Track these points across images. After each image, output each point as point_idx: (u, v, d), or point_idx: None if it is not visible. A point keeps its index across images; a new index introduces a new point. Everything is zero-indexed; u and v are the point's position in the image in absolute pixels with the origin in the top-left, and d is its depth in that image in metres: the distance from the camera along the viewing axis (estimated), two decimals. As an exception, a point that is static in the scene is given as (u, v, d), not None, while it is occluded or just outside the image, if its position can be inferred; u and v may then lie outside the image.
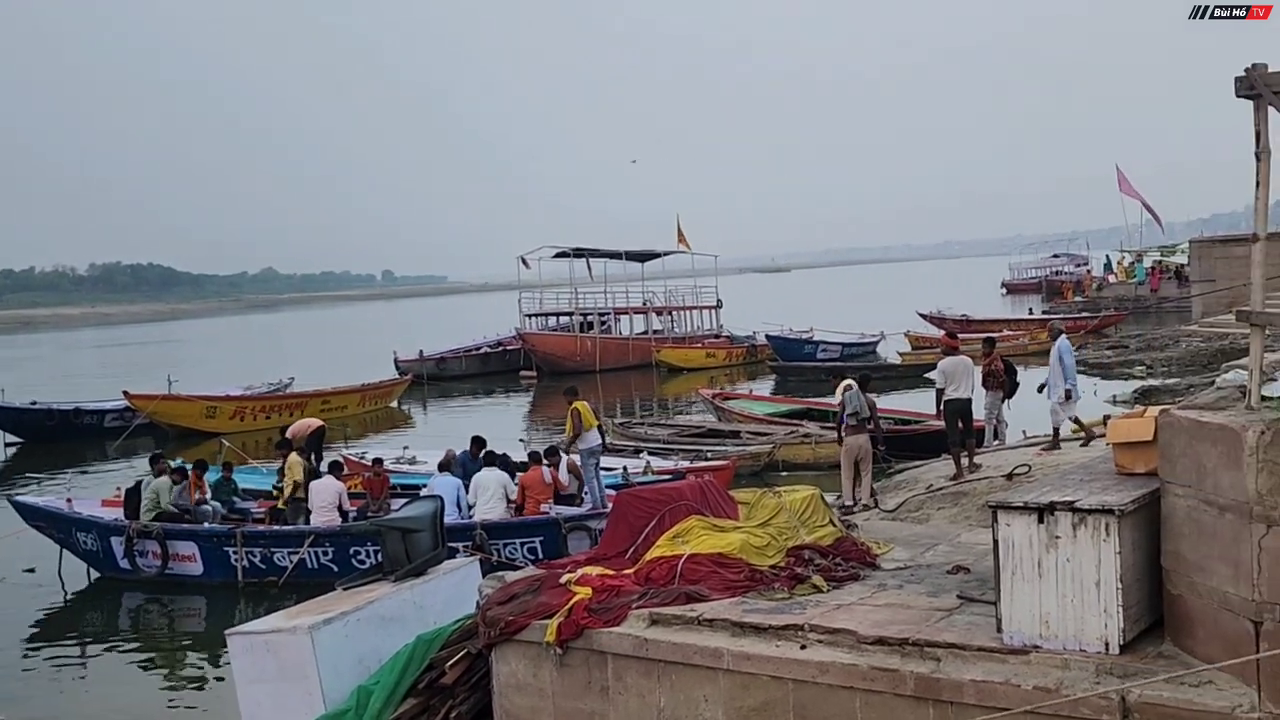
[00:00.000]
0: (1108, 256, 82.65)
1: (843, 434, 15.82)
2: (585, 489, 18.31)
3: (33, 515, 19.26)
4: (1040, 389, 16.86)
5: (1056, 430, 16.24)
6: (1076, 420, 16.40)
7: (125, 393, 35.27)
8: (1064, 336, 16.84)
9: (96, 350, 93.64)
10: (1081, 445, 15.48)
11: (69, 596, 18.10)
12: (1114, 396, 29.55)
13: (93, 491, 22.54)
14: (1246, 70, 6.93)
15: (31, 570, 18.87)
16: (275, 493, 18.94)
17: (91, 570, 18.67)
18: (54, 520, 18.87)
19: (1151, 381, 31.47)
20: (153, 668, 15.02)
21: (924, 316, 55.15)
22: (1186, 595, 7.13)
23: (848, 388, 16.75)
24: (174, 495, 18.44)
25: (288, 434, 22.76)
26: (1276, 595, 6.42)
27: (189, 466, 19.75)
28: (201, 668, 14.71)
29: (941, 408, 15.95)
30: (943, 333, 17.19)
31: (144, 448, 30.23)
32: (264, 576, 17.32)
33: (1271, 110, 6.90)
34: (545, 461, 18.18)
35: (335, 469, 18.51)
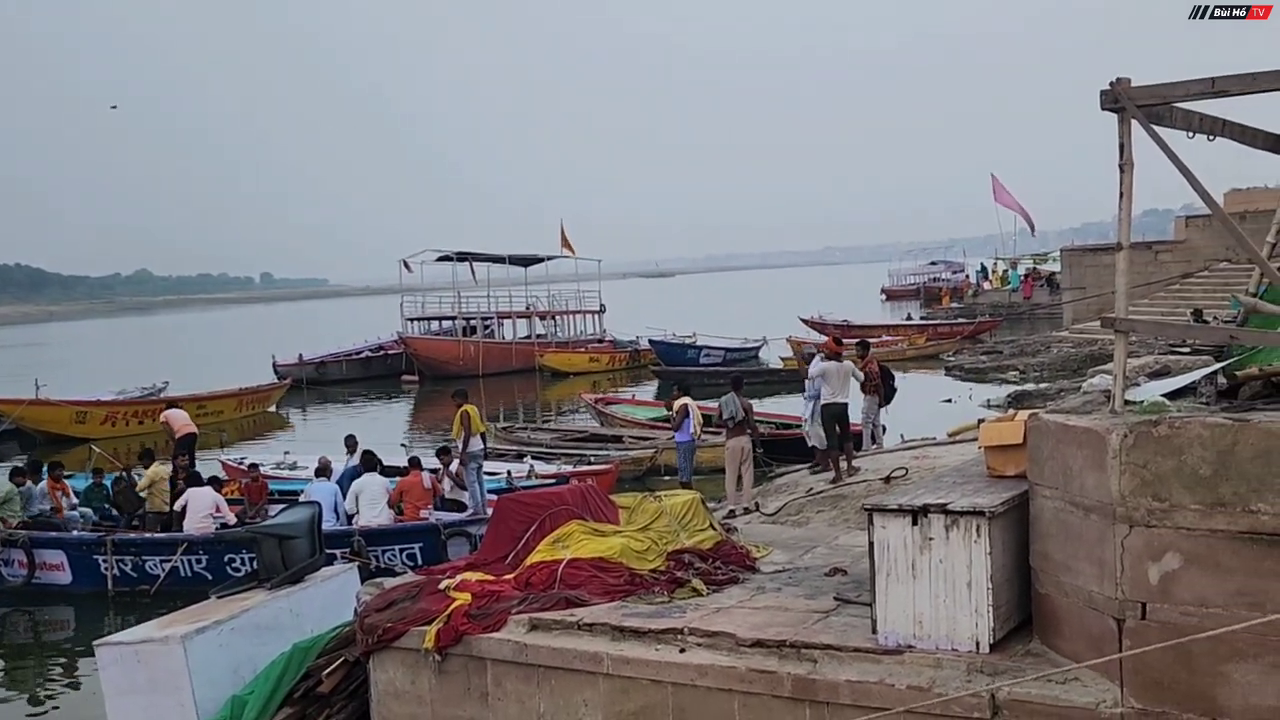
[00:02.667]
0: (982, 264, 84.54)
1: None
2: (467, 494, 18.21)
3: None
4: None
5: (813, 449, 16.49)
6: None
7: (-10, 397, 34.19)
8: (815, 361, 16.94)
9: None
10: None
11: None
12: (988, 400, 30.25)
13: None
14: (1111, 84, 7.14)
15: None
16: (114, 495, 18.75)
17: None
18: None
19: (1025, 386, 32.27)
20: (18, 681, 14.56)
21: (805, 322, 55.83)
22: (1054, 594, 7.31)
23: (684, 408, 17.35)
24: (34, 501, 17.94)
25: (163, 419, 22.66)
26: (1139, 594, 6.61)
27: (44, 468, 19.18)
28: (70, 680, 14.30)
29: (818, 412, 16.11)
30: (827, 337, 17.36)
31: (10, 454, 29.32)
32: (135, 585, 16.90)
33: (1135, 123, 7.11)
34: (439, 460, 18.12)
35: (214, 482, 18.20)
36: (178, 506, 17.59)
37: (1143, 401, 7.35)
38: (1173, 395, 7.70)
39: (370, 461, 17.75)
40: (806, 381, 16.88)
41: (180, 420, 22.61)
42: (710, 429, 20.65)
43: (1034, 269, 71.68)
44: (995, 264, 78.83)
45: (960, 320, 58.35)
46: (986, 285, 76.05)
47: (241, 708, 9.72)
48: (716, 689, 7.85)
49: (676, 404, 18.75)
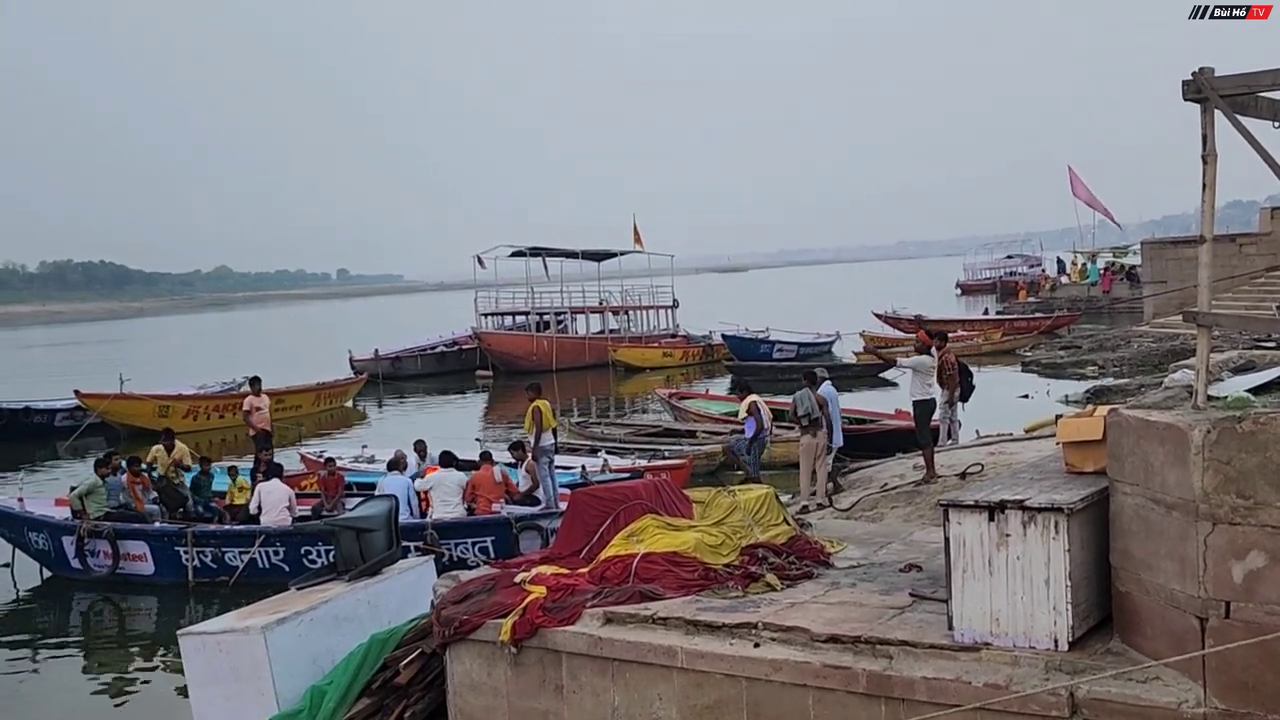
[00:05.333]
0: (1059, 258, 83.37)
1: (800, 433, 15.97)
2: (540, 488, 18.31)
3: (-16, 514, 19.06)
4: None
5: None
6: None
7: (77, 392, 34.88)
8: (829, 383, 16.66)
9: (47, 349, 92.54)
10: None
11: (21, 597, 17.90)
12: (1066, 396, 29.85)
13: (44, 491, 22.28)
14: (1194, 74, 7.03)
15: (8, 565, 18.59)
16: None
17: (44, 570, 18.48)
18: (6, 520, 18.68)
19: (1103, 381, 31.79)
20: (105, 669, 14.87)
21: (880, 316, 55.43)
22: (1134, 592, 7.21)
23: (752, 405, 17.33)
24: (114, 493, 18.32)
25: (246, 409, 23.83)
26: (1221, 592, 6.51)
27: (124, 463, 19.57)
28: (154, 669, 14.57)
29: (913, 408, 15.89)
30: (920, 330, 17.14)
31: (95, 447, 29.91)
32: (215, 576, 17.20)
33: (1219, 114, 6.99)
34: (510, 457, 18.27)
35: (278, 471, 18.47)
36: (252, 503, 17.88)
37: (1226, 397, 7.23)
38: (1257, 390, 7.55)
39: (447, 459, 17.90)
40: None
41: (261, 418, 23.30)
42: (784, 424, 20.58)
43: (1113, 262, 70.56)
44: (1074, 257, 77.65)
45: (1037, 315, 57.58)
46: (1064, 279, 74.95)
47: (321, 698, 9.87)
48: (791, 684, 7.84)
49: (745, 403, 18.82)
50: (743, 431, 19.64)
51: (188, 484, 19.59)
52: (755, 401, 18.83)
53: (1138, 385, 26.53)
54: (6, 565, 18.46)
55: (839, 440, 16.93)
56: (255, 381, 25.03)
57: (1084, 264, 72.80)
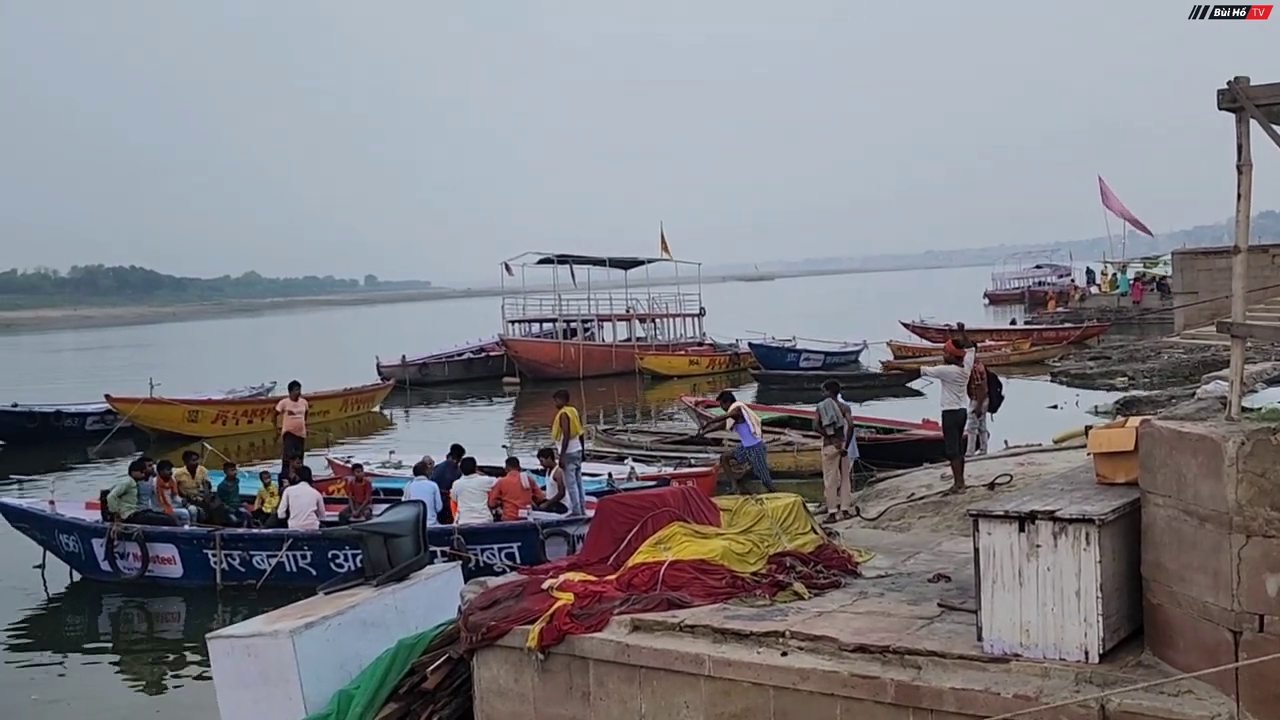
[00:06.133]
0: (1089, 268, 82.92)
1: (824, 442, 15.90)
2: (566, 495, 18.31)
3: (16, 516, 19.20)
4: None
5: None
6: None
7: (107, 396, 35.14)
8: (825, 400, 16.49)
9: (78, 353, 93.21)
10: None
11: (51, 598, 18.02)
12: (1095, 407, 29.67)
13: (75, 494, 22.43)
14: (1229, 83, 6.98)
15: (42, 566, 18.73)
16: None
17: (73, 572, 18.60)
18: (36, 522, 18.80)
19: (1133, 392, 31.58)
20: (133, 671, 14.96)
21: (907, 326, 55.27)
22: (1166, 605, 7.16)
23: (737, 411, 17.28)
24: (144, 497, 18.42)
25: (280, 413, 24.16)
26: (1255, 605, 6.45)
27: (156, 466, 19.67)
28: (182, 671, 14.64)
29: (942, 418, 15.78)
30: (948, 340, 17.02)
31: (125, 451, 30.13)
32: (243, 579, 17.27)
33: (1254, 123, 6.95)
34: (538, 463, 18.25)
35: (307, 475, 18.54)
36: (280, 507, 17.94)
37: (1260, 409, 7.17)
38: (1291, 402, 7.49)
39: (469, 464, 17.91)
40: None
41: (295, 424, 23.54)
42: (810, 434, 20.50)
43: (1144, 273, 70.10)
44: (1104, 267, 77.16)
45: (1066, 325, 57.28)
46: (1094, 290, 74.49)
47: (348, 702, 9.89)
48: (819, 693, 7.81)
49: (731, 408, 18.72)
50: (738, 442, 19.50)
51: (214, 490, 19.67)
52: (740, 408, 18.76)
53: (1168, 396, 26.35)
54: (39, 567, 18.59)
55: (854, 451, 16.85)
56: (294, 386, 25.16)
57: (1114, 274, 72.35)
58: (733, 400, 19.10)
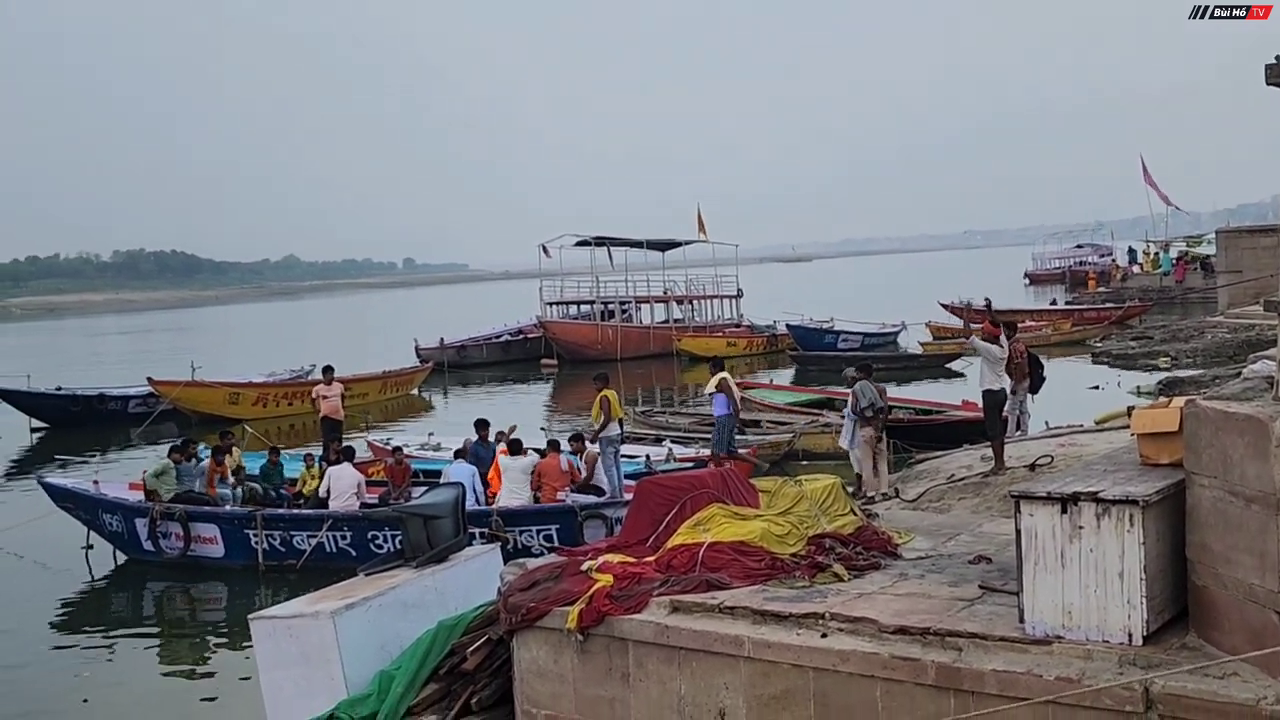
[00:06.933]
0: (1131, 247, 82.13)
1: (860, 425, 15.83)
2: (602, 479, 18.32)
3: (61, 497, 19.47)
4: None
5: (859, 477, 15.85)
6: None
7: (149, 379, 35.49)
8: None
9: (120, 336, 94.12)
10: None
11: (95, 578, 18.27)
12: (1138, 387, 29.44)
13: (118, 477, 22.68)
14: (1278, 58, 6.88)
15: (90, 547, 18.97)
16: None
17: (117, 552, 18.82)
18: (81, 502, 19.05)
19: (1176, 373, 31.30)
20: (175, 651, 15.13)
21: (946, 307, 54.97)
22: (1211, 586, 7.09)
23: (722, 381, 17.50)
24: (191, 478, 18.58)
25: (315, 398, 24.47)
26: (1302, 587, 6.37)
27: (208, 450, 19.85)
28: (224, 651, 14.79)
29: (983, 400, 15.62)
30: (985, 319, 16.84)
31: (168, 434, 30.41)
32: (283, 560, 17.41)
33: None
34: (569, 448, 18.30)
35: (350, 456, 18.62)
36: (322, 487, 18.04)
37: (1308, 388, 7.07)
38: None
39: (515, 445, 17.97)
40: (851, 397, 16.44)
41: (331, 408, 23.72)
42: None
43: (1187, 252, 69.36)
44: (1147, 246, 76.37)
45: (1108, 305, 56.77)
46: (1137, 269, 73.76)
47: (389, 682, 9.95)
48: (859, 675, 7.78)
49: (714, 379, 18.97)
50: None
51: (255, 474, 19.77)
52: (725, 379, 19.00)
53: (1212, 377, 26.07)
54: (88, 548, 18.83)
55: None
56: (327, 370, 25.33)
57: (1156, 253, 71.64)
58: (721, 370, 19.34)
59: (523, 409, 36.25)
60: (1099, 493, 7.28)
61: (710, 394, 19.48)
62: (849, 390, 16.55)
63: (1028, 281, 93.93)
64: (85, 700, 13.05)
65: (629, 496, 13.82)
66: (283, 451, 21.08)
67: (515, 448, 17.86)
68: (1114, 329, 47.06)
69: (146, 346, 73.86)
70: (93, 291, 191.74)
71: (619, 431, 18.83)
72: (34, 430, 35.61)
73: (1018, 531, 7.59)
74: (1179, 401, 7.88)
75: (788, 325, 48.95)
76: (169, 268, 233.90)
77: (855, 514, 10.88)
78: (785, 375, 40.70)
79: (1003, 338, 15.92)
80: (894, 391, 25.21)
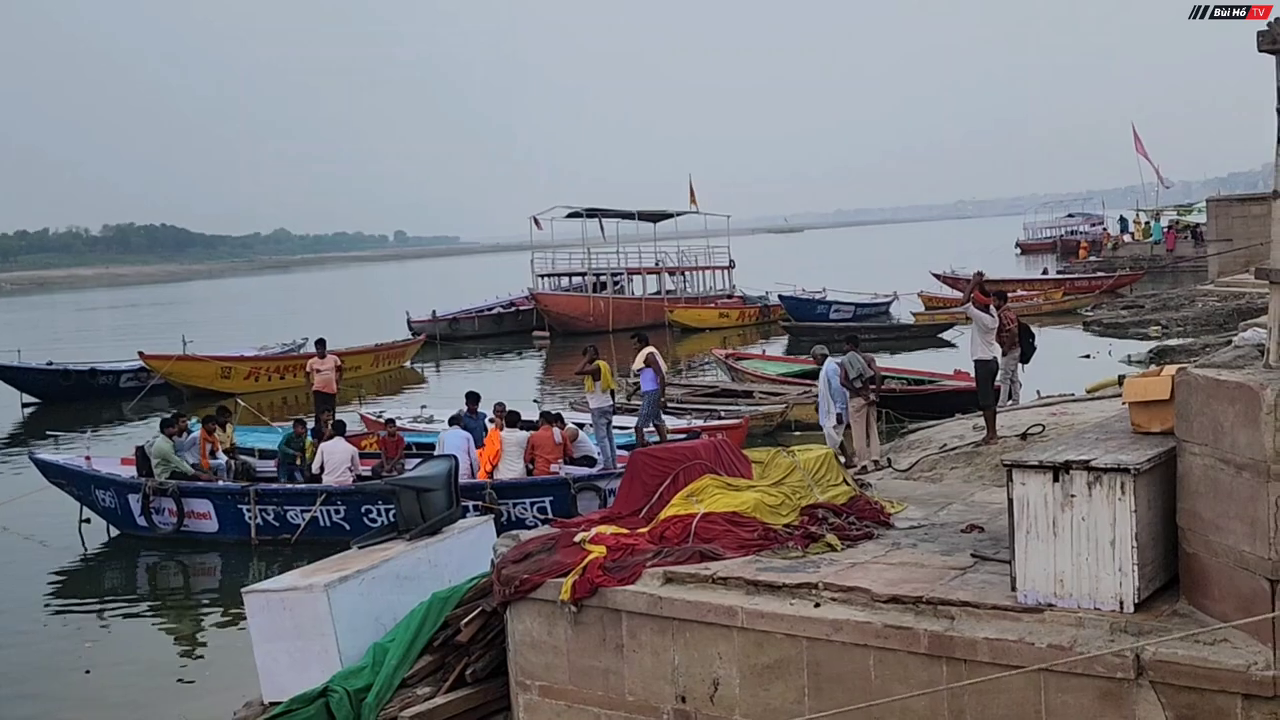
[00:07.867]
0: (1122, 216, 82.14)
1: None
2: (594, 450, 18.36)
3: (53, 473, 19.46)
4: None
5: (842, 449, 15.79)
6: (842, 447, 15.90)
7: (141, 353, 35.43)
8: (830, 360, 16.59)
9: (111, 311, 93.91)
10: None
11: (89, 554, 18.29)
12: (1129, 356, 29.50)
13: (110, 451, 22.67)
14: (1270, 24, 6.86)
15: (87, 521, 18.98)
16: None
17: (110, 527, 18.82)
18: (73, 478, 19.03)
19: (1167, 341, 31.37)
20: (170, 625, 15.18)
21: (938, 276, 54.96)
22: (1202, 554, 7.12)
23: (649, 356, 17.62)
24: (183, 452, 18.54)
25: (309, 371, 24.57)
26: (1293, 554, 6.39)
27: (198, 423, 19.78)
28: (218, 625, 14.83)
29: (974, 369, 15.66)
30: (974, 288, 16.81)
31: (159, 408, 30.36)
32: (277, 534, 17.43)
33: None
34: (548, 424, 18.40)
35: (341, 430, 18.60)
36: (315, 462, 18.02)
37: (1299, 355, 7.08)
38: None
39: (513, 417, 17.98)
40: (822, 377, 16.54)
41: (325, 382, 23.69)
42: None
43: (1177, 221, 69.37)
44: (1138, 215, 76.37)
45: (1099, 274, 56.82)
46: (1128, 238, 73.78)
47: (383, 654, 9.97)
48: (852, 644, 7.81)
49: (642, 354, 19.05)
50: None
51: (279, 444, 19.53)
52: (652, 353, 19.08)
53: (1202, 345, 26.15)
54: (85, 522, 18.84)
55: (842, 405, 16.87)
56: (319, 344, 25.26)
57: (1147, 222, 71.64)
58: (646, 344, 19.37)
59: (515, 381, 36.27)
60: (1091, 461, 7.29)
61: (638, 370, 19.52)
62: (819, 367, 16.68)
63: (1019, 251, 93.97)
64: (88, 672, 13.10)
65: (622, 468, 13.83)
66: (275, 424, 21.04)
67: (513, 419, 17.87)
68: (1105, 298, 47.13)
69: (137, 321, 73.72)
70: (83, 266, 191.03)
71: (610, 402, 18.86)
72: (25, 405, 35.56)
73: (1010, 500, 7.61)
74: (1170, 370, 7.88)
75: (780, 296, 48.95)
76: (159, 242, 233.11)
77: (848, 484, 10.90)
78: (778, 346, 40.72)
79: (992, 307, 15.94)
80: (886, 361, 25.25)
